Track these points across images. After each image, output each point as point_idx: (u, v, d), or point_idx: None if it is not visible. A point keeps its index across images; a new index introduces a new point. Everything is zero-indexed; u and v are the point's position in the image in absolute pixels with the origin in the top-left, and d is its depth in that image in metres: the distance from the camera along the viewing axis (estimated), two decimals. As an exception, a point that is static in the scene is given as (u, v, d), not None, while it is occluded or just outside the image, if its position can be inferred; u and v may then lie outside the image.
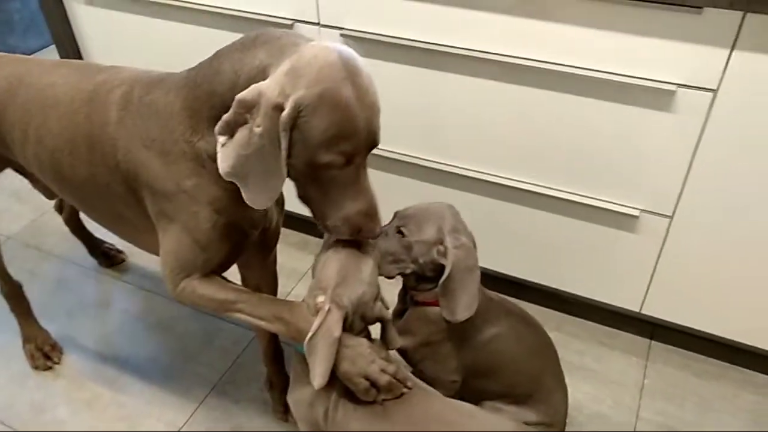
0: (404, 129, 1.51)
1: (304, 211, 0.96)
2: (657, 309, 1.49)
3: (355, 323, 0.97)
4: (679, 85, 1.18)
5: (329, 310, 0.92)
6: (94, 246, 1.83)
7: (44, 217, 2.02)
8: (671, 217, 1.34)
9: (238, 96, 0.84)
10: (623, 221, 1.39)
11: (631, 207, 1.36)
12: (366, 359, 0.95)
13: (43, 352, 1.55)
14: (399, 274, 1.12)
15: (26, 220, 2.02)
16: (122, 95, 1.03)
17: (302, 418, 1.05)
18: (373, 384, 0.95)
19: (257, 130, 0.83)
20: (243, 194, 0.89)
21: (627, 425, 1.41)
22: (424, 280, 1.13)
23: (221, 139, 0.87)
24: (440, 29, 1.33)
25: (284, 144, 0.83)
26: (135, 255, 1.86)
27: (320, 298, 0.95)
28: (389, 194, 1.63)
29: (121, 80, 1.05)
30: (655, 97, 1.21)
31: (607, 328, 1.64)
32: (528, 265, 1.58)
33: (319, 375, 0.91)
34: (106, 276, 1.82)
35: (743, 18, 1.07)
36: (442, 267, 1.08)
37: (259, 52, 0.86)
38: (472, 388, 1.21)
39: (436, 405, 1.01)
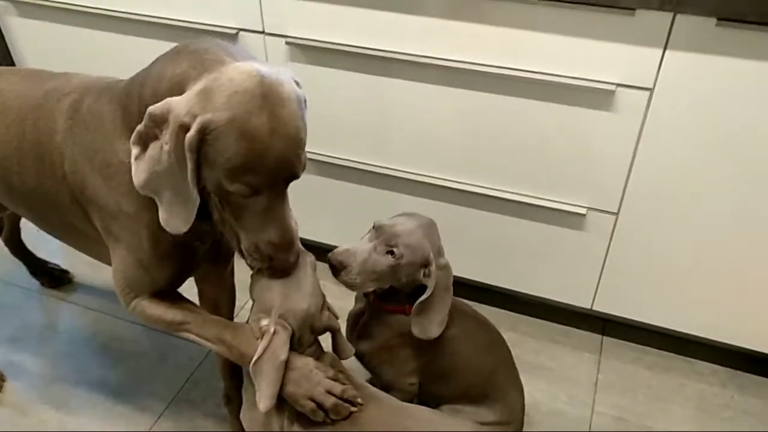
0: (351, 135, 1.51)
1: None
2: (607, 305, 1.53)
3: (304, 337, 0.96)
4: (617, 84, 1.21)
5: (275, 332, 0.91)
6: (37, 266, 1.76)
7: (-17, 239, 1.93)
8: (617, 214, 1.38)
9: (149, 108, 0.80)
10: (571, 220, 1.42)
11: (577, 205, 1.39)
12: (311, 381, 0.94)
13: (-16, 380, 1.48)
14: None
15: (-37, 243, 1.93)
16: (71, 104, 0.99)
17: (257, 436, 1.03)
18: (320, 405, 0.94)
19: (166, 147, 0.80)
20: (159, 214, 0.86)
21: (583, 420, 1.43)
22: (396, 292, 1.13)
23: (134, 150, 0.83)
24: (384, 35, 1.34)
25: (190, 166, 0.80)
26: (81, 275, 1.80)
27: (264, 322, 0.93)
28: (339, 201, 1.63)
29: (72, 88, 1.02)
30: (596, 97, 1.25)
31: (560, 326, 1.67)
32: (479, 267, 1.60)
33: (265, 398, 0.90)
34: (50, 297, 1.75)
35: (674, 19, 1.12)
36: (421, 284, 1.09)
37: (184, 62, 0.83)
38: (431, 393, 1.22)
39: (391, 414, 1.00)
